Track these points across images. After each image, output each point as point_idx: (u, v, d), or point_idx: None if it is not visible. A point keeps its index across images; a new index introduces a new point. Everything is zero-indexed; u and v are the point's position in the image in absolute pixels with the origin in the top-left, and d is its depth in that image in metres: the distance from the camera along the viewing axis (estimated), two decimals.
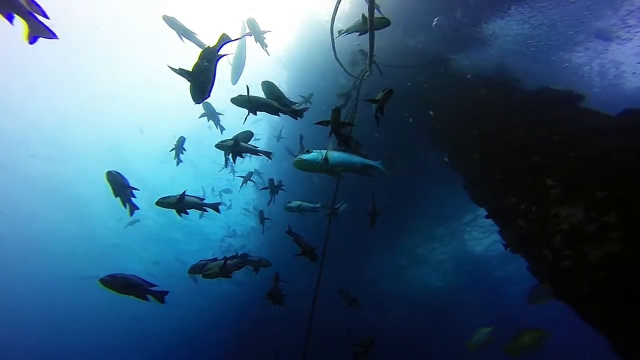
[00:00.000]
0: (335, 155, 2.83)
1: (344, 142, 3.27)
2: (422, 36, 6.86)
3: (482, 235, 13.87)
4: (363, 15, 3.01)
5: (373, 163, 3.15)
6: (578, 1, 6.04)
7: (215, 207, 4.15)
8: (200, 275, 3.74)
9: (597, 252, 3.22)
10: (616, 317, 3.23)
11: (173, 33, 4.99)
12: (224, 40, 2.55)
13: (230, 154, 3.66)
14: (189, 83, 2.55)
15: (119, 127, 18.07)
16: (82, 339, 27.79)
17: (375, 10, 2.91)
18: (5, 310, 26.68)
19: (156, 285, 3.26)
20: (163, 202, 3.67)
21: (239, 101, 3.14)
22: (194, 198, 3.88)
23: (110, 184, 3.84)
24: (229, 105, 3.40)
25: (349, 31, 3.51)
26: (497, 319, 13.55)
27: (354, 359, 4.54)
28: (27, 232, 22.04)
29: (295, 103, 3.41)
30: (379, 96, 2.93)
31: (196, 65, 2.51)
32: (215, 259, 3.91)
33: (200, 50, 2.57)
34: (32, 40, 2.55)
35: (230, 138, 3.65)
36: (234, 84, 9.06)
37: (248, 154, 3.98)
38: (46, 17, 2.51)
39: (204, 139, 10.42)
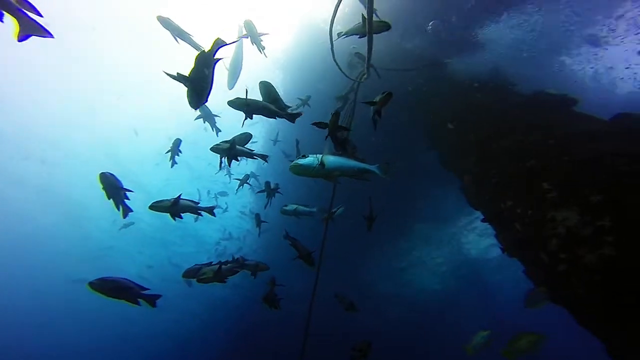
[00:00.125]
0: (331, 159, 2.81)
1: (341, 146, 3.26)
2: (418, 40, 6.92)
3: (478, 239, 13.93)
4: (363, 17, 3.01)
5: (370, 167, 3.13)
6: (567, 7, 6.16)
7: (210, 210, 4.10)
8: (195, 279, 3.69)
9: (592, 256, 3.24)
10: (611, 320, 3.24)
11: (169, 34, 4.95)
12: (218, 44, 2.53)
13: (226, 158, 3.62)
14: (185, 88, 2.52)
15: (114, 129, 17.91)
16: (75, 342, 27.32)
17: (374, 14, 2.92)
18: None
19: (148, 289, 3.19)
20: (157, 206, 3.61)
21: (236, 104, 3.11)
22: (188, 202, 3.83)
23: (104, 186, 3.78)
24: (226, 108, 3.37)
25: (348, 34, 3.52)
26: (493, 322, 13.58)
27: None
28: (20, 235, 21.69)
29: (289, 107, 3.40)
30: (378, 99, 2.93)
31: (193, 71, 2.49)
32: (210, 264, 3.85)
33: (195, 52, 2.55)
34: (22, 38, 2.49)
35: (226, 140, 3.62)
36: (230, 89, 9.04)
37: (244, 157, 3.95)
38: (39, 15, 2.46)
39: (200, 140, 10.37)
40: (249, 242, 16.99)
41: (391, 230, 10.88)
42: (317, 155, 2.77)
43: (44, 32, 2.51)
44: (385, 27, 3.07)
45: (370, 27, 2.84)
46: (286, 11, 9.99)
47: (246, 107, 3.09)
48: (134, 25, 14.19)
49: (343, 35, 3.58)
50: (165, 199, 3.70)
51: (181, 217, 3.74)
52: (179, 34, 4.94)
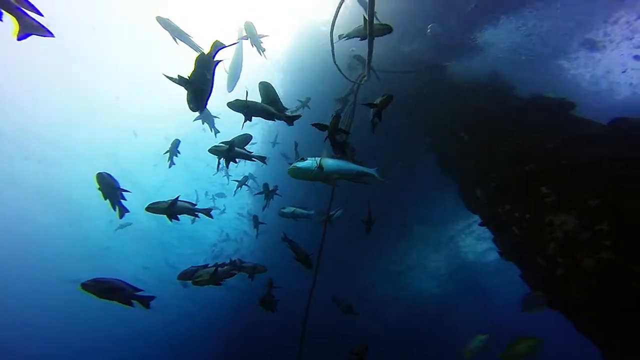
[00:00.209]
0: (330, 162, 2.79)
1: (340, 149, 3.25)
2: (416, 43, 6.95)
3: (476, 242, 13.94)
4: (364, 19, 3.01)
5: (368, 170, 3.12)
6: (564, 12, 6.21)
7: (207, 212, 4.08)
8: (190, 282, 3.65)
9: (591, 260, 3.24)
10: (610, 324, 3.23)
11: (168, 35, 4.95)
12: (217, 47, 2.52)
13: (224, 159, 3.60)
14: (185, 91, 2.51)
15: (113, 129, 17.87)
16: (69, 343, 27.06)
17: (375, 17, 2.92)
18: None
19: (142, 290, 3.14)
20: (153, 208, 3.57)
21: (236, 106, 3.10)
22: (185, 203, 3.80)
23: (100, 186, 3.75)
24: (225, 109, 3.36)
25: (349, 36, 3.51)
26: (491, 326, 13.55)
27: None
28: (19, 235, 21.55)
29: (287, 109, 3.38)
30: (378, 101, 2.92)
31: (193, 73, 2.47)
32: (206, 266, 3.82)
33: (194, 53, 2.54)
34: (22, 37, 2.48)
35: (227, 141, 3.59)
36: (229, 92, 9.04)
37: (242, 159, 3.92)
38: (39, 14, 2.45)
39: (200, 141, 10.36)
40: (247, 243, 16.93)
41: (389, 233, 10.87)
42: (316, 158, 2.75)
43: (45, 32, 2.50)
44: (386, 29, 3.07)
45: (371, 29, 2.84)
46: (286, 13, 10.02)
47: (245, 109, 3.08)
48: (133, 26, 14.19)
49: (344, 37, 3.58)
50: (162, 200, 3.67)
51: (178, 219, 3.72)
52: (178, 34, 4.94)
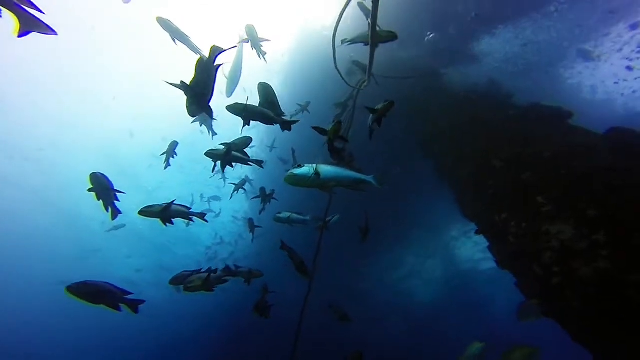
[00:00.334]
0: (327, 169, 2.75)
1: (337, 156, 3.22)
2: (415, 50, 7.01)
3: (472, 250, 13.95)
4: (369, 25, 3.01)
5: (366, 178, 3.09)
6: (559, 23, 6.33)
7: (201, 216, 4.02)
8: (182, 287, 3.56)
9: (588, 269, 3.24)
10: (605, 333, 3.22)
11: (168, 35, 4.92)
12: (215, 52, 2.50)
13: (220, 163, 3.55)
14: (185, 96, 2.50)
15: (110, 129, 17.74)
16: (61, 345, 26.47)
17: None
18: None
19: (131, 293, 3.05)
20: (147, 212, 3.49)
21: (234, 109, 3.08)
22: (179, 207, 3.74)
23: (94, 187, 3.68)
24: (223, 112, 3.33)
25: (353, 41, 3.51)
26: (487, 334, 13.47)
27: None
28: (18, 235, 21.21)
29: (284, 114, 3.36)
30: (380, 107, 2.91)
31: (194, 80, 2.46)
32: (199, 270, 3.74)
33: (193, 54, 2.53)
34: (22, 34, 2.44)
35: (226, 143, 3.55)
36: (228, 97, 9.03)
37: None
38: (40, 11, 2.41)
39: (197, 143, 10.29)
40: (242, 247, 16.78)
41: (386, 238, 10.84)
42: (313, 165, 2.72)
43: (47, 29, 2.47)
44: (391, 36, 3.08)
45: (374, 35, 2.85)
46: (287, 16, 10.07)
47: (244, 112, 3.05)
48: (133, 26, 14.18)
49: (347, 42, 3.57)
50: (155, 204, 3.60)
51: (172, 223, 3.65)
52: (178, 36, 4.92)
